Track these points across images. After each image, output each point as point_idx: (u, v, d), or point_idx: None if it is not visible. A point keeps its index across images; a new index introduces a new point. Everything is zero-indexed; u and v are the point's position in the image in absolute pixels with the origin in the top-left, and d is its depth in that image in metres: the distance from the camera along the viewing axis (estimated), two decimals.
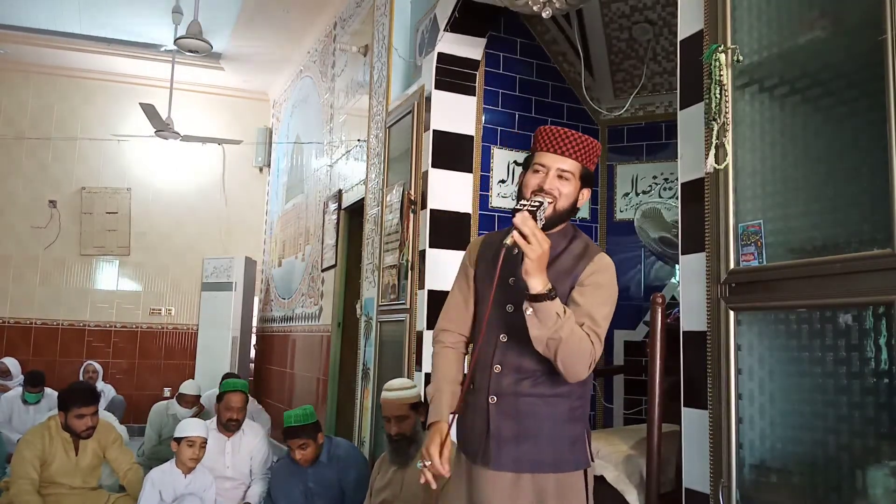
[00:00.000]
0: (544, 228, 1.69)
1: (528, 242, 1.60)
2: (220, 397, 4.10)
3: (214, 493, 3.75)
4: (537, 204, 1.70)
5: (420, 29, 4.28)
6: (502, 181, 4.09)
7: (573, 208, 1.84)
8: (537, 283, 1.62)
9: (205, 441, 3.69)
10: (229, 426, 4.02)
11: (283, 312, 7.41)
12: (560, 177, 1.80)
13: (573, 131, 1.83)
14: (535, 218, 1.65)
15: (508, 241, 1.63)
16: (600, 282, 1.76)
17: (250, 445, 4.08)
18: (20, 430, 5.11)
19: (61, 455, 3.70)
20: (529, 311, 1.65)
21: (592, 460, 1.84)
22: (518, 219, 1.62)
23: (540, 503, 1.78)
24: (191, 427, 3.69)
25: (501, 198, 4.08)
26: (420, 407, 3.06)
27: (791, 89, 1.75)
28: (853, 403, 1.53)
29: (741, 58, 1.85)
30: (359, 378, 4.65)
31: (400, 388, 3.07)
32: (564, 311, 1.65)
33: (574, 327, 1.65)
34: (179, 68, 7.38)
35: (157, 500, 3.55)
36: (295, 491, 3.59)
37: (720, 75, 1.85)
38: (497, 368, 1.83)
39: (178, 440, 3.63)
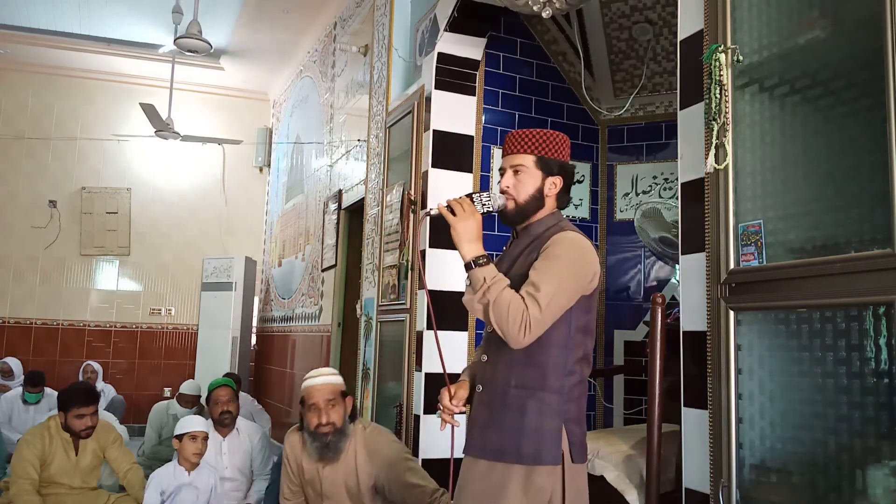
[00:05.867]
0: (519, 220, 1.89)
1: (454, 214, 1.78)
2: (208, 400, 4.11)
3: (214, 486, 3.73)
4: (480, 192, 1.86)
5: (420, 29, 4.28)
6: None
7: (540, 196, 1.89)
8: (465, 252, 1.77)
9: (206, 435, 3.67)
10: (224, 420, 4.01)
11: (282, 312, 7.41)
12: (516, 173, 1.89)
13: (528, 130, 1.92)
14: (472, 201, 1.82)
15: (434, 211, 1.83)
16: (551, 253, 1.78)
17: (249, 445, 4.08)
18: (20, 430, 5.11)
19: (61, 455, 3.70)
20: (466, 279, 1.79)
21: (575, 461, 1.78)
22: (451, 198, 1.83)
23: (504, 493, 1.75)
24: (191, 423, 3.68)
25: None
26: (348, 396, 3.03)
27: (791, 89, 1.75)
28: (853, 403, 1.53)
29: (741, 58, 1.85)
30: (359, 378, 4.65)
31: (328, 374, 3.03)
32: (493, 278, 1.74)
33: (505, 291, 1.72)
34: (179, 68, 7.38)
35: (159, 501, 3.54)
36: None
37: (720, 75, 1.85)
38: (484, 358, 1.89)
39: (180, 437, 3.60)
